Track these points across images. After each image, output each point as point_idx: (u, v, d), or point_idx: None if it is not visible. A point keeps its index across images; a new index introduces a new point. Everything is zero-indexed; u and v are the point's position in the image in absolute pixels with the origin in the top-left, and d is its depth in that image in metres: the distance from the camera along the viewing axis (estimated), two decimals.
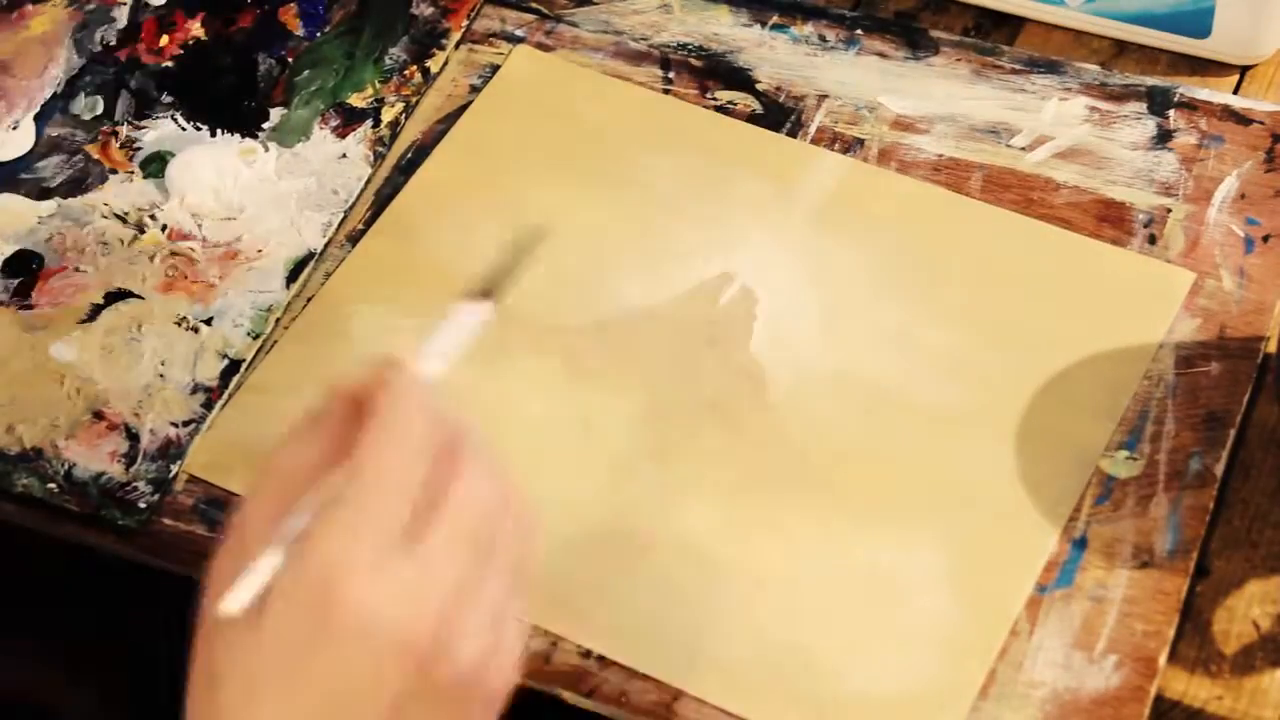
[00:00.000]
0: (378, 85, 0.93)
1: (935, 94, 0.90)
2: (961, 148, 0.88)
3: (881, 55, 0.92)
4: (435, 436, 0.56)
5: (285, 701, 0.54)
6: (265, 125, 0.91)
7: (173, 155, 0.90)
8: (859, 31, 0.93)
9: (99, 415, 0.81)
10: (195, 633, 0.56)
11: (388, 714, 0.54)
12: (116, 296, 0.85)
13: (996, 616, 0.73)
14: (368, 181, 0.89)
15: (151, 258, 0.86)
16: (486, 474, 0.57)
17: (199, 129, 0.91)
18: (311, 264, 0.86)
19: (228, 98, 0.92)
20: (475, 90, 0.92)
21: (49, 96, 0.93)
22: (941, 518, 0.76)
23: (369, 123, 0.91)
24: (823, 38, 0.93)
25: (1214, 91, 0.89)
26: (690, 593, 0.74)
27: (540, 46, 0.94)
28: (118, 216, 0.88)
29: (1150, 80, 0.90)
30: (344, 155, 0.90)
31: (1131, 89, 0.90)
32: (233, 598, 0.55)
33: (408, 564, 0.54)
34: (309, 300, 0.85)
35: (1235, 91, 0.90)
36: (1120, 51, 0.93)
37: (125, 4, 0.96)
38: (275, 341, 0.84)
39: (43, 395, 0.82)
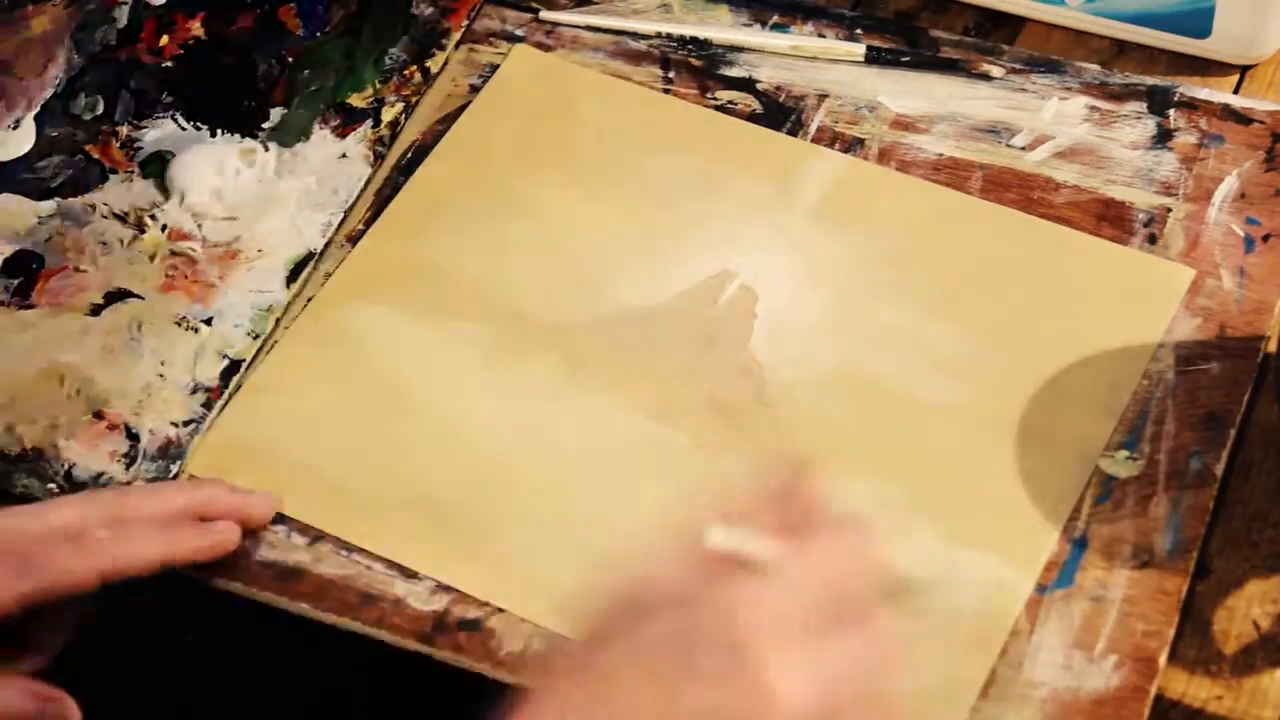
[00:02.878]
0: (378, 85, 0.93)
1: (935, 93, 0.90)
2: (961, 147, 0.88)
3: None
4: (861, 565, 0.61)
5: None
6: (265, 125, 0.91)
7: (173, 155, 0.90)
8: (859, 31, 0.93)
9: (99, 415, 0.81)
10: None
11: None
12: (116, 296, 0.85)
13: (997, 616, 0.73)
14: (368, 181, 0.89)
15: (151, 258, 0.86)
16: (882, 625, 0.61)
17: (199, 129, 0.91)
18: (311, 264, 0.86)
19: (228, 98, 0.92)
20: (475, 90, 0.92)
21: (49, 96, 0.93)
22: (942, 517, 0.76)
23: (369, 123, 0.91)
24: (823, 37, 0.93)
25: (1214, 91, 0.89)
26: None
27: (540, 46, 0.94)
28: (118, 216, 0.88)
29: (1150, 80, 0.90)
30: (344, 155, 0.90)
31: (1131, 88, 0.90)
32: (723, 535, 0.58)
33: (807, 655, 0.58)
34: (309, 300, 0.85)
35: (1235, 91, 0.90)
36: (1120, 51, 0.93)
37: (125, 4, 0.96)
38: (275, 341, 0.84)
39: (43, 395, 0.82)
